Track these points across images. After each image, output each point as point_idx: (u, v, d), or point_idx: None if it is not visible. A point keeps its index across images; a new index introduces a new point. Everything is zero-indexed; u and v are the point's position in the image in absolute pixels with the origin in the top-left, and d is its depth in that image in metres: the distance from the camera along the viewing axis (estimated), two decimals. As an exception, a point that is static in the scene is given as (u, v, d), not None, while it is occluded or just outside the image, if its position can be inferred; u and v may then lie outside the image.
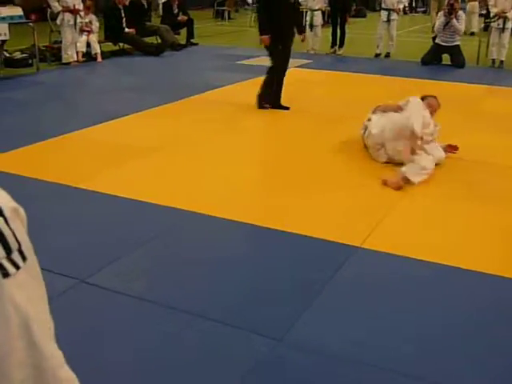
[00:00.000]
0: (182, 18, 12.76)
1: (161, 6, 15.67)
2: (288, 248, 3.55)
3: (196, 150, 5.37)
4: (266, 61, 10.70)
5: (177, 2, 12.89)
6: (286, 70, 7.09)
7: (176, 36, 12.57)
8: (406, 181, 4.58)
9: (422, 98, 5.32)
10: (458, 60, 10.74)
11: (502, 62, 10.84)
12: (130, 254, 3.40)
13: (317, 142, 5.67)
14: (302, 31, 7.48)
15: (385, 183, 4.56)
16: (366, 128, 5.25)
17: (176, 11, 12.80)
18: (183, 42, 12.52)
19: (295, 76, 9.59)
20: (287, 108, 6.99)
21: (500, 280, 3.22)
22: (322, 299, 2.98)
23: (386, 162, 5.04)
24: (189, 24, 12.94)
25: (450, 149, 5.14)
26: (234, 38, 15.01)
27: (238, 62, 10.69)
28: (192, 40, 12.84)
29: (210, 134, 5.87)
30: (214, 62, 10.66)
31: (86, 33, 10.17)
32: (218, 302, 2.93)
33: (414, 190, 4.52)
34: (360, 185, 4.63)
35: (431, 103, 5.24)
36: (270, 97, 7.02)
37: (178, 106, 7.14)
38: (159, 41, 11.79)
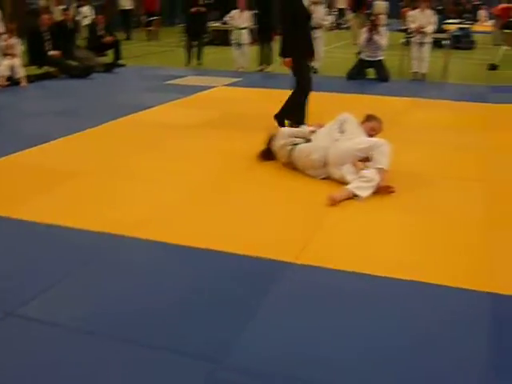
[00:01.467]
0: (107, 39, 12.62)
1: (86, 28, 15.44)
2: (220, 268, 3.52)
3: (124, 172, 5.30)
4: (193, 80, 10.80)
5: (102, 24, 12.75)
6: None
7: (102, 57, 12.43)
8: (354, 196, 4.64)
9: (368, 118, 5.41)
10: (382, 74, 11.06)
11: (423, 74, 11.24)
12: (56, 283, 3.31)
13: (245, 157, 5.69)
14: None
15: (333, 201, 4.54)
16: (292, 144, 5.28)
17: (101, 32, 12.66)
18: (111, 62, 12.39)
19: (224, 94, 9.67)
20: None
21: (436, 288, 3.30)
22: (258, 318, 2.97)
23: (324, 178, 5.11)
24: (115, 45, 12.82)
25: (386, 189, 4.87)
26: (162, 58, 14.96)
27: (167, 82, 10.65)
28: (119, 61, 12.72)
29: (139, 156, 5.81)
30: (143, 83, 10.59)
31: (8, 56, 9.92)
32: (148, 327, 2.87)
33: (344, 202, 4.59)
34: (290, 200, 4.67)
35: (375, 128, 5.32)
36: (296, 116, 6.79)
37: (106, 128, 7.05)
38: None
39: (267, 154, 5.54)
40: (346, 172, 4.89)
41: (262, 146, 5.56)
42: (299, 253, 3.69)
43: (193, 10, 12.45)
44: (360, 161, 4.92)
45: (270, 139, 5.52)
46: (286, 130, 5.53)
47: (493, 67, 12.94)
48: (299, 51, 6.63)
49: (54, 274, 3.40)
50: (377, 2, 20.46)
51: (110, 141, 6.45)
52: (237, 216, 4.32)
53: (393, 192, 4.78)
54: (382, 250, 3.77)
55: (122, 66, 12.52)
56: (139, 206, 4.48)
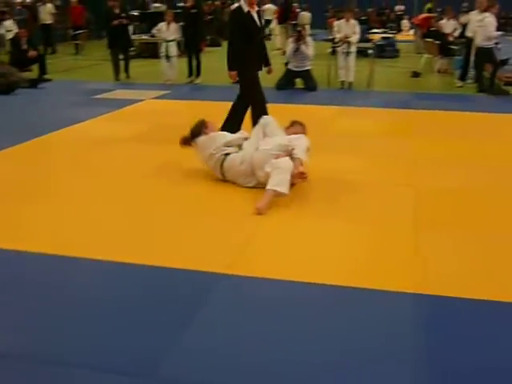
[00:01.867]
0: (31, 53, 12.33)
1: (9, 42, 15.03)
2: (150, 282, 3.48)
3: (51, 190, 5.17)
4: (121, 94, 10.67)
5: (25, 38, 12.46)
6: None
7: (27, 72, 12.14)
8: (278, 195, 4.69)
9: (291, 124, 5.56)
10: (309, 84, 11.24)
11: (350, 83, 11.49)
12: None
13: (175, 170, 5.66)
14: (268, 63, 7.13)
15: (259, 210, 4.57)
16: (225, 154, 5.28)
17: (25, 47, 12.36)
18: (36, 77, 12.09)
19: (153, 107, 9.59)
20: None
21: (368, 292, 3.35)
22: (190, 330, 2.94)
23: (253, 186, 5.14)
24: (39, 59, 12.54)
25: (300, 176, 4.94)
26: (90, 72, 14.73)
27: (95, 97, 10.49)
28: (45, 76, 12.44)
29: (66, 173, 5.69)
30: (70, 98, 10.38)
31: None
32: (79, 346, 2.80)
33: (276, 210, 4.62)
34: (222, 210, 4.66)
35: (298, 132, 5.35)
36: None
37: (31, 145, 6.85)
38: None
39: (187, 141, 5.58)
40: (267, 167, 4.90)
41: (185, 133, 5.57)
42: (231, 263, 3.68)
43: (115, 22, 12.28)
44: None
45: (197, 131, 5.54)
46: (221, 137, 5.47)
47: (416, 75, 13.36)
48: (246, 64, 6.64)
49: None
50: (302, 13, 20.90)
51: (35, 159, 6.27)
52: (167, 229, 4.28)
53: (305, 178, 4.87)
54: (313, 257, 3.81)
55: (48, 80, 12.24)
56: (68, 224, 4.37)
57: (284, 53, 19.04)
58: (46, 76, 12.45)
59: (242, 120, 6.85)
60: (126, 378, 2.57)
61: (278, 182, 4.71)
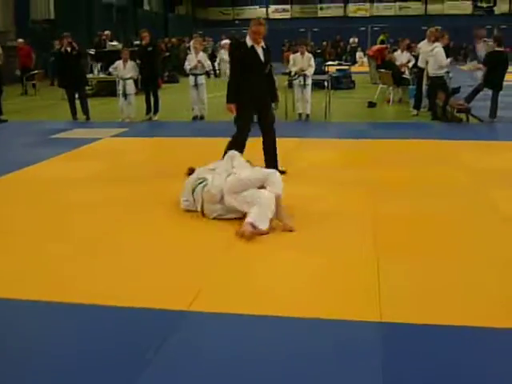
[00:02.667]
0: (-14, 95, 12.20)
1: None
2: (107, 323, 3.39)
3: (9, 233, 5.06)
4: (79, 133, 10.59)
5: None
6: (269, 138, 6.95)
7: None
8: (253, 228, 4.73)
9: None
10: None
11: (307, 115, 11.63)
12: None
13: (135, 206, 5.62)
14: (276, 99, 7.18)
15: (241, 235, 4.69)
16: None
17: (-21, 89, 12.23)
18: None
19: (111, 146, 9.54)
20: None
21: (331, 323, 3.34)
22: (151, 371, 2.88)
23: (214, 218, 5.17)
24: (-6, 100, 12.41)
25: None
26: (45, 112, 14.60)
27: (52, 137, 10.37)
28: (0, 116, 12.28)
29: (22, 215, 5.58)
30: (26, 138, 10.24)
31: None
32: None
33: (235, 242, 4.61)
34: (184, 245, 4.62)
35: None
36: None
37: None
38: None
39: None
40: (242, 202, 5.01)
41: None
42: (193, 300, 3.63)
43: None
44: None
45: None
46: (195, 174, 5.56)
47: (371, 105, 13.62)
48: (241, 98, 6.67)
49: None
50: None
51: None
52: (126, 266, 4.21)
53: (292, 231, 4.91)
54: (278, 290, 3.79)
55: (4, 121, 12.09)
56: (23, 263, 4.27)
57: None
58: (1, 117, 12.29)
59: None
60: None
61: (260, 218, 4.80)
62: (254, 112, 6.88)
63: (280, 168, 6.70)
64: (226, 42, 24.31)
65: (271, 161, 6.91)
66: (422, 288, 3.78)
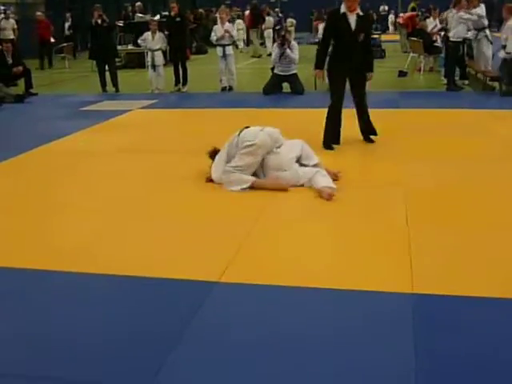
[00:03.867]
0: (17, 69, 12.27)
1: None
2: (141, 294, 3.44)
3: (46, 205, 5.13)
4: (109, 105, 10.64)
5: (10, 52, 12.41)
6: (359, 106, 6.97)
7: (13, 87, 12.10)
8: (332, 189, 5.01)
9: None
10: (296, 87, 11.25)
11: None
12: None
13: (166, 179, 5.65)
14: (371, 69, 6.92)
15: (329, 196, 4.90)
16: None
17: (10, 62, 12.31)
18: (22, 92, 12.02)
19: (140, 117, 9.58)
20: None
21: (363, 294, 3.34)
22: (183, 343, 2.92)
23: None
24: (26, 74, 12.49)
25: (335, 176, 5.40)
26: (75, 84, 14.69)
27: (82, 109, 10.45)
28: (31, 90, 12.39)
29: (58, 187, 5.66)
30: (57, 111, 10.34)
31: None
32: (68, 363, 2.76)
33: (268, 213, 4.62)
34: (217, 217, 4.64)
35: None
36: (330, 136, 6.89)
37: (22, 159, 6.80)
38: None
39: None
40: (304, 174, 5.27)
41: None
42: (223, 271, 3.65)
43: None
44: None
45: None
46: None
47: (402, 74, 13.41)
48: (330, 64, 6.82)
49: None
50: (268, 18, 21.32)
51: (27, 173, 6.23)
52: (156, 237, 4.25)
53: (339, 177, 5.40)
54: (308, 261, 3.79)
55: (35, 94, 12.20)
56: (62, 238, 4.35)
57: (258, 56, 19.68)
58: (32, 90, 12.40)
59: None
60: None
61: (327, 179, 5.17)
62: (343, 80, 6.84)
63: (373, 137, 6.98)
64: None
65: (369, 127, 7.01)
66: (454, 259, 3.75)
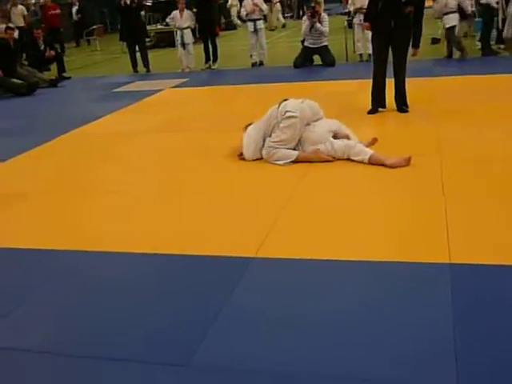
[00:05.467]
0: (49, 53, 12.41)
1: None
2: (178, 270, 3.49)
3: (84, 186, 5.20)
4: (141, 86, 10.70)
5: (41, 38, 12.53)
6: (396, 75, 6.96)
7: (46, 72, 12.25)
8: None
9: None
10: (327, 59, 11.14)
11: (369, 55, 11.31)
12: (21, 304, 3.24)
13: (203, 157, 5.67)
14: (416, 44, 6.92)
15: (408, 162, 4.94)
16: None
17: (42, 46, 12.44)
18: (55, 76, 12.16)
19: (173, 97, 9.61)
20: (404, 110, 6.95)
21: (399, 265, 3.33)
22: (223, 317, 2.95)
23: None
24: (58, 58, 12.63)
25: (372, 142, 5.52)
26: (106, 66, 14.79)
27: (114, 91, 10.53)
28: (64, 74, 12.53)
29: (97, 168, 5.72)
30: (90, 94, 10.46)
31: None
32: (110, 340, 2.82)
33: (301, 188, 4.61)
34: (253, 194, 4.66)
35: None
36: (375, 99, 7.04)
37: (57, 143, 6.91)
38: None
39: None
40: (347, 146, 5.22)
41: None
42: (259, 246, 3.67)
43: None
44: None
45: None
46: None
47: (435, 41, 13.14)
48: (373, 29, 6.92)
49: (20, 294, 3.33)
50: None
51: (63, 156, 6.32)
52: (195, 216, 4.28)
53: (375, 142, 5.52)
54: (344, 234, 3.78)
55: (67, 78, 12.33)
56: (104, 219, 4.42)
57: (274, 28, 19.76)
58: (65, 74, 12.53)
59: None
60: (167, 367, 2.58)
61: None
62: (385, 44, 6.83)
63: (405, 108, 6.94)
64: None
65: (400, 98, 6.99)
66: (491, 229, 3.69)
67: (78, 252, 3.84)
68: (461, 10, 13.05)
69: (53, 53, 12.51)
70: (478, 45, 11.54)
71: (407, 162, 4.92)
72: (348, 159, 5.16)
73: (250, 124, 5.64)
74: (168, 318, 2.98)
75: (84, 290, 3.39)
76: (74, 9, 20.74)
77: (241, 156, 5.51)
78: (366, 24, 7.08)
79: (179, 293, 3.24)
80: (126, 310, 3.11)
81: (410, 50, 6.91)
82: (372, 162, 5.01)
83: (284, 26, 22.15)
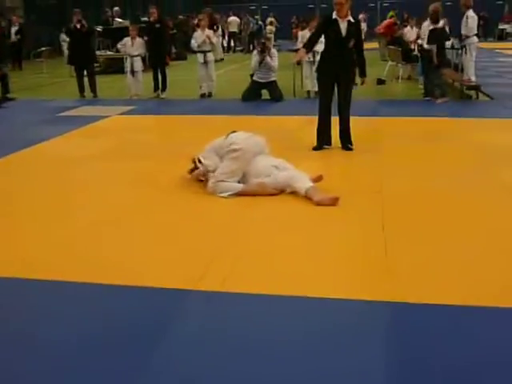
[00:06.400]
0: (-6, 73, 12.17)
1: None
2: (114, 303, 3.41)
3: (22, 212, 5.07)
4: (87, 111, 10.57)
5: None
6: (341, 113, 7.09)
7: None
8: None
9: None
10: (275, 94, 11.27)
11: (316, 92, 11.51)
12: None
13: (147, 185, 5.62)
14: (362, 73, 7.10)
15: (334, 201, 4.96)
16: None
17: (-13, 66, 12.19)
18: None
19: (119, 123, 9.52)
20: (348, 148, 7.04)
21: (337, 302, 3.34)
22: (157, 353, 2.89)
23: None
24: (3, 78, 12.37)
25: (317, 179, 5.39)
26: (53, 89, 14.57)
27: (60, 115, 10.36)
28: (8, 95, 12.26)
29: (35, 193, 5.59)
30: (35, 116, 10.24)
31: None
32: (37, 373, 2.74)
33: (246, 223, 4.61)
34: (195, 224, 4.62)
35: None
36: (320, 137, 7.09)
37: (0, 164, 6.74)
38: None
39: None
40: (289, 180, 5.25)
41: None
42: (199, 279, 3.63)
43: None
44: None
45: None
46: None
47: (381, 82, 13.50)
48: (319, 64, 7.27)
49: None
50: (268, 27, 21.52)
51: (3, 177, 6.16)
52: (136, 246, 4.22)
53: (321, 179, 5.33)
54: (285, 269, 3.77)
55: (12, 99, 12.08)
56: (35, 243, 4.30)
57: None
58: (9, 95, 12.28)
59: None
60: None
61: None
62: (331, 84, 7.00)
63: (350, 146, 7.06)
64: (234, 19, 24.39)
65: (345, 136, 7.10)
66: (430, 267, 3.77)
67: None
68: (404, 54, 13.53)
69: (-2, 72, 12.25)
70: (422, 88, 11.91)
71: (334, 202, 4.95)
72: (292, 192, 5.21)
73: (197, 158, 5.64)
74: (102, 355, 2.90)
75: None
76: (14, 29, 19.54)
77: (192, 172, 5.61)
78: (301, 50, 7.17)
79: (108, 328, 3.16)
80: (47, 346, 3.01)
81: (359, 80, 7.14)
82: (307, 195, 5.08)
83: (222, 59, 21.93)
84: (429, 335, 2.97)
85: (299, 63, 12.01)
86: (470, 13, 10.98)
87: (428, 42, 10.66)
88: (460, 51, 11.52)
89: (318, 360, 2.78)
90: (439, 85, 10.90)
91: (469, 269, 3.73)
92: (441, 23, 10.89)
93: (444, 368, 2.69)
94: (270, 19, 26.38)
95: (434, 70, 10.73)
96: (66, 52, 17.07)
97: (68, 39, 13.60)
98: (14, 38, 19.49)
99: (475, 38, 11.18)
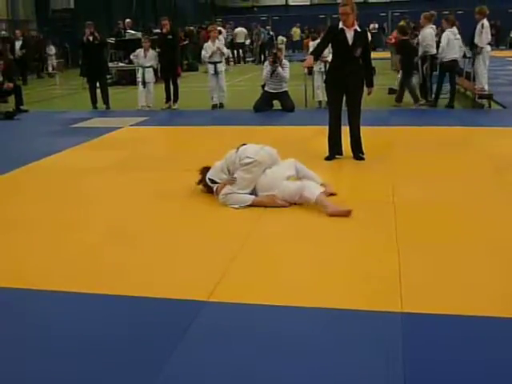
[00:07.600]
0: (7, 85, 12.25)
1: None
2: (128, 313, 3.42)
3: (40, 223, 5.09)
4: (99, 122, 10.63)
5: (1, 68, 12.39)
6: (351, 123, 7.11)
7: (3, 104, 12.07)
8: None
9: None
10: (287, 105, 11.29)
11: (327, 102, 11.51)
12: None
13: (159, 197, 5.63)
14: (369, 84, 7.14)
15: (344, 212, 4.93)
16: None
17: (1, 79, 12.29)
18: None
19: (131, 135, 9.56)
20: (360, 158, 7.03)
21: (351, 313, 3.33)
22: (172, 362, 2.89)
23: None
24: (16, 91, 12.48)
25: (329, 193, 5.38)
26: (65, 101, 14.68)
27: (72, 126, 10.42)
28: (21, 107, 12.36)
29: (50, 205, 5.61)
30: (48, 128, 10.31)
31: None
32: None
33: (257, 233, 4.60)
34: (206, 236, 4.62)
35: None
36: (331, 147, 7.10)
37: (10, 177, 6.77)
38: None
39: None
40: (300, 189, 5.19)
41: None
42: (212, 290, 3.63)
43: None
44: None
45: None
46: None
47: (392, 91, 13.46)
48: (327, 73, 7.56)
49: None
50: (279, 37, 21.65)
51: (15, 192, 6.19)
52: (145, 257, 4.22)
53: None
54: (296, 280, 3.77)
55: (25, 111, 12.18)
56: (46, 254, 4.31)
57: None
58: (23, 107, 12.37)
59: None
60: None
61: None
62: (340, 94, 7.02)
63: (361, 155, 7.03)
64: (241, 30, 24.48)
65: (356, 145, 7.09)
66: (443, 278, 3.74)
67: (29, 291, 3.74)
68: (401, 62, 13.53)
69: (11, 85, 12.35)
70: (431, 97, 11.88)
71: (347, 214, 4.93)
72: (302, 202, 5.19)
73: (206, 167, 5.65)
74: (111, 367, 2.90)
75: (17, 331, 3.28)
76: (18, 43, 19.63)
77: (199, 183, 5.65)
78: (309, 57, 7.17)
79: (123, 336, 3.16)
80: (67, 354, 3.02)
81: (366, 90, 7.12)
82: (318, 202, 5.06)
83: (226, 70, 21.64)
84: (444, 346, 2.95)
85: (310, 73, 12.08)
86: (486, 22, 10.92)
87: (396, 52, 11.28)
88: (472, 60, 11.49)
89: (335, 372, 2.77)
90: (410, 91, 11.42)
91: (484, 280, 3.70)
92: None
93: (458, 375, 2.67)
94: (280, 38, 26.66)
95: (404, 77, 11.45)
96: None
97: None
98: (18, 52, 19.43)
99: (488, 47, 11.15)
